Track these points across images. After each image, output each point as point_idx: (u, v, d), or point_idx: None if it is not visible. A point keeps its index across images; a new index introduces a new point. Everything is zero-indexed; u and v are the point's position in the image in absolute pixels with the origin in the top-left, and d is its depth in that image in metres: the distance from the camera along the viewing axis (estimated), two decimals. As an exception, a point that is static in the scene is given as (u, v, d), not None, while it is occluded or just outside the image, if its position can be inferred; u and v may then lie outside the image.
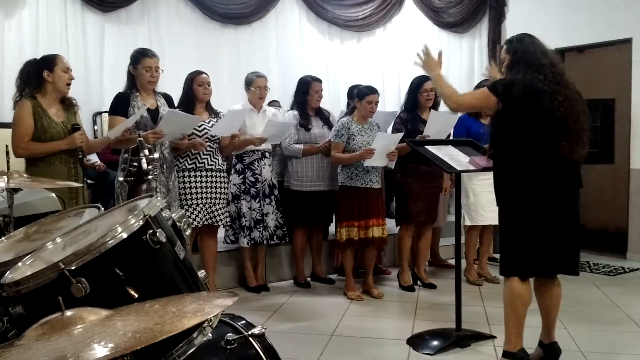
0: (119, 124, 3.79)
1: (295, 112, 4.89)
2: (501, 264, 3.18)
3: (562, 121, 2.93)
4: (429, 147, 3.85)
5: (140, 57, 3.95)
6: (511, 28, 7.19)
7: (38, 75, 3.56)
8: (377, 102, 4.71)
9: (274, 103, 5.55)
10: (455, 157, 3.72)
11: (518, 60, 3.07)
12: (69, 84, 3.64)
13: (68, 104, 3.69)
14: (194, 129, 4.26)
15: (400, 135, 4.51)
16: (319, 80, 5.03)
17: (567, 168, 3.03)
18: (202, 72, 4.44)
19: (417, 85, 4.85)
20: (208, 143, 4.30)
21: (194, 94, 4.36)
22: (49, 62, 3.60)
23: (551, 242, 3.01)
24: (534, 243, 3.00)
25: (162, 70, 4.02)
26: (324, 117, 5.02)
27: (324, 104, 5.32)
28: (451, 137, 5.19)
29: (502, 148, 3.10)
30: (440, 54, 3.46)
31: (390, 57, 7.24)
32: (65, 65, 3.62)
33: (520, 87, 2.95)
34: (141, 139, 1.95)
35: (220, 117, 4.46)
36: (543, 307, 3.20)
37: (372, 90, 4.66)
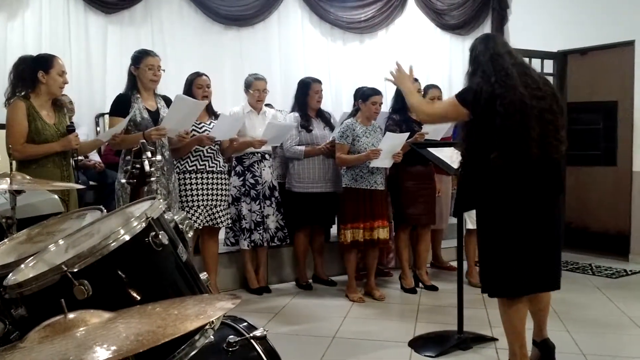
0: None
1: (297, 114, 4.89)
2: (482, 282, 3.08)
3: (500, 130, 2.80)
4: (431, 149, 3.85)
5: (142, 56, 3.94)
6: (514, 30, 7.20)
7: (32, 75, 3.50)
8: (381, 103, 4.72)
9: (266, 106, 5.55)
10: (457, 159, 3.72)
11: (476, 68, 2.98)
12: (62, 87, 3.60)
13: (59, 106, 3.67)
14: (194, 128, 4.27)
15: (407, 135, 4.52)
16: (319, 81, 5.03)
17: (541, 174, 2.88)
18: (202, 75, 4.43)
19: None
20: (209, 144, 4.31)
21: (193, 97, 4.33)
22: (45, 63, 3.54)
23: (529, 257, 2.88)
24: (510, 259, 2.89)
25: (164, 70, 4.02)
26: (325, 119, 5.03)
27: (327, 106, 5.33)
28: (452, 139, 5.21)
29: (474, 155, 2.99)
30: (411, 69, 3.39)
31: (392, 59, 7.19)
32: (61, 69, 3.56)
33: (487, 94, 2.86)
34: (144, 140, 1.96)
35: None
36: (533, 311, 3.16)
37: (375, 92, 4.67)
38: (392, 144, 4.46)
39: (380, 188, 4.62)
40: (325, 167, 4.86)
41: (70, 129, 3.56)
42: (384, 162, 4.49)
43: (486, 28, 7.59)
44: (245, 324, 1.71)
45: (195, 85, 4.38)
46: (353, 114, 4.82)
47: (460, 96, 3.00)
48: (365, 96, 4.65)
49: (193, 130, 4.28)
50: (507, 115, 2.80)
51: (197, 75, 4.43)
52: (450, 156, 3.76)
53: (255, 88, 4.71)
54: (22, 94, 3.51)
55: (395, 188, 4.89)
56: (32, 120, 3.47)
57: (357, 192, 4.56)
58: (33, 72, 3.51)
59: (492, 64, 2.91)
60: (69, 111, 4.38)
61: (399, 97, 4.88)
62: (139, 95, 3.93)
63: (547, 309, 3.18)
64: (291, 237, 4.96)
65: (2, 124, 4.93)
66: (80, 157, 3.62)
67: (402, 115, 4.83)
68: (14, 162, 2.54)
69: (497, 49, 2.96)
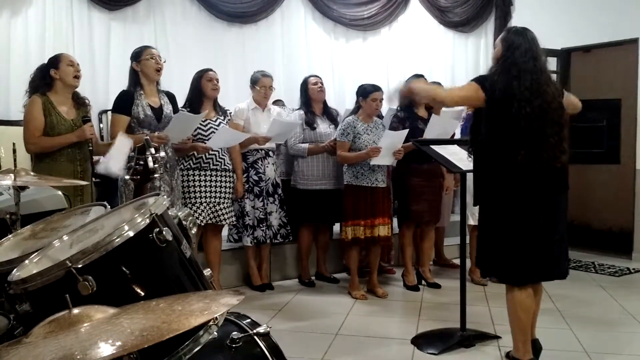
0: (122, 122, 3.83)
1: (302, 111, 4.90)
2: (481, 265, 3.16)
3: (525, 131, 2.86)
4: (434, 147, 3.85)
5: (143, 50, 3.98)
6: (517, 28, 7.18)
7: (46, 76, 3.61)
8: (382, 99, 4.72)
9: (278, 102, 5.56)
10: (460, 157, 3.72)
11: (506, 56, 2.98)
12: (77, 77, 3.68)
13: (80, 103, 3.73)
14: (200, 127, 4.28)
15: (406, 132, 4.51)
16: (315, 75, 5.08)
17: (547, 171, 2.93)
18: (210, 70, 4.47)
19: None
20: (203, 153, 4.32)
21: (202, 89, 4.38)
22: (53, 60, 3.67)
23: (530, 247, 2.94)
24: (512, 247, 2.95)
25: (165, 61, 4.03)
26: (332, 117, 5.03)
27: (329, 103, 5.32)
28: (457, 136, 5.20)
29: (480, 147, 3.06)
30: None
31: (395, 57, 7.24)
32: (70, 59, 3.67)
33: (502, 88, 2.90)
34: (147, 137, 1.96)
35: (228, 115, 4.55)
36: None
37: (376, 88, 4.66)
38: (392, 141, 4.45)
39: (381, 185, 4.62)
40: (329, 165, 4.86)
41: (86, 119, 3.62)
42: (384, 159, 4.49)
43: (490, 25, 7.59)
44: (248, 320, 1.71)
45: (204, 79, 4.41)
46: (354, 111, 4.82)
47: (480, 81, 3.01)
48: (365, 93, 4.64)
49: (198, 127, 4.28)
50: (531, 120, 2.85)
51: (205, 70, 4.47)
52: (455, 154, 3.76)
53: (261, 85, 4.72)
54: (40, 92, 3.61)
55: (400, 185, 4.89)
56: (47, 114, 3.56)
57: (358, 190, 4.56)
58: (46, 73, 3.62)
59: (523, 67, 2.92)
60: None
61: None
62: (142, 92, 3.94)
63: (538, 310, 3.20)
64: (295, 234, 4.97)
65: (4, 120, 4.99)
66: None
67: (407, 112, 4.83)
68: (17, 158, 2.54)
69: (537, 49, 2.98)
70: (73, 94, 3.72)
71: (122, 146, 3.73)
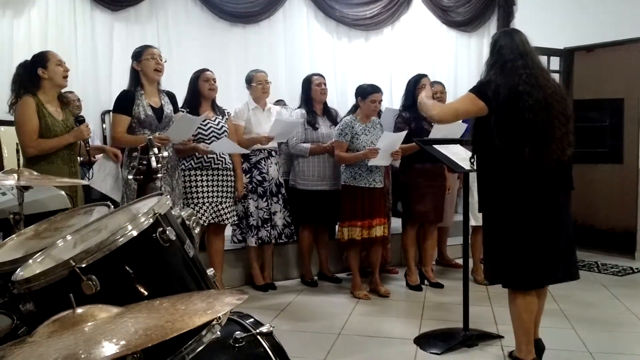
0: (123, 122, 3.84)
1: (303, 110, 4.90)
2: (490, 272, 3.12)
3: (530, 125, 2.83)
4: (437, 147, 3.84)
5: (143, 49, 3.97)
6: (520, 27, 7.09)
7: (33, 75, 3.53)
8: (381, 100, 4.72)
9: (279, 102, 5.56)
10: (463, 156, 3.71)
11: (496, 60, 2.99)
12: (65, 77, 3.62)
13: (65, 102, 3.70)
14: (200, 127, 4.29)
15: (404, 133, 4.51)
16: (319, 74, 5.06)
17: (554, 171, 2.91)
18: (207, 70, 4.47)
19: (414, 82, 4.86)
20: (204, 154, 4.33)
21: (200, 90, 4.39)
22: (41, 59, 3.57)
23: (539, 249, 2.91)
24: (520, 252, 2.92)
25: (166, 61, 4.03)
26: (332, 117, 5.02)
27: (332, 103, 5.32)
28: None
29: (485, 152, 3.03)
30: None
31: (398, 56, 7.24)
32: (58, 59, 3.59)
33: (507, 90, 2.87)
34: (151, 137, 1.96)
35: (227, 115, 4.54)
36: None
37: (375, 89, 4.66)
38: (390, 142, 4.45)
39: (379, 186, 4.61)
40: (330, 166, 4.86)
41: (81, 119, 3.59)
42: (382, 160, 4.49)
43: (492, 25, 7.58)
44: (251, 320, 1.71)
45: (201, 79, 4.41)
46: (352, 110, 4.82)
47: (478, 90, 2.98)
48: (364, 94, 4.64)
49: (198, 127, 4.28)
50: (535, 111, 2.83)
51: (202, 70, 4.47)
52: (459, 154, 3.75)
53: (257, 81, 4.73)
54: (28, 92, 3.53)
55: (403, 185, 4.89)
56: (41, 116, 3.50)
57: (355, 190, 4.55)
58: (33, 71, 3.54)
59: (513, 64, 2.91)
60: (76, 108, 4.39)
61: (409, 94, 4.87)
62: (142, 92, 3.94)
63: (542, 310, 3.19)
64: (296, 234, 4.97)
65: (5, 120, 4.99)
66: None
67: (412, 113, 4.81)
68: (21, 159, 2.54)
69: (524, 46, 2.98)
70: (58, 93, 3.66)
71: (103, 167, 3.76)
